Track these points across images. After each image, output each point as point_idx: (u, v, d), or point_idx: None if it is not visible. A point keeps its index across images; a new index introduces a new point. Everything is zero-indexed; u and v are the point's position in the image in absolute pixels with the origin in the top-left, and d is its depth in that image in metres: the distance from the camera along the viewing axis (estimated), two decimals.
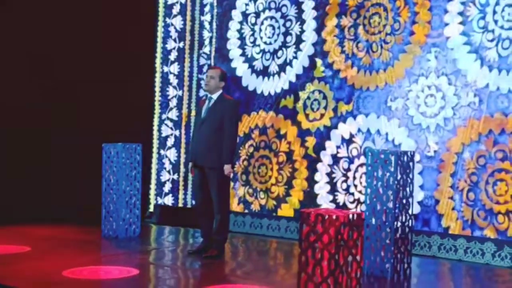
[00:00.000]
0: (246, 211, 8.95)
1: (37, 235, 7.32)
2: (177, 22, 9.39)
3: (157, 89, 9.43)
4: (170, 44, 9.40)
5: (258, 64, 8.94)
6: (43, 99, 8.87)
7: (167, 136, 9.38)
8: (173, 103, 9.40)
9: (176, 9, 9.36)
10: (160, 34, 9.41)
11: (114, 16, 9.00)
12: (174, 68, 9.38)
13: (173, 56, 9.37)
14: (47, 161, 8.84)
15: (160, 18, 9.39)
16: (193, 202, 8.85)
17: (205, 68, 9.27)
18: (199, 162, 6.62)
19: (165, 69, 9.38)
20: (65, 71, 8.92)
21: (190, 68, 9.44)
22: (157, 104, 9.41)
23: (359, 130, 8.10)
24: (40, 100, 8.87)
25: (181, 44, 9.38)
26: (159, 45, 9.42)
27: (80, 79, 8.85)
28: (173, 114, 9.39)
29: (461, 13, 7.42)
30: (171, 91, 9.41)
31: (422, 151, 7.62)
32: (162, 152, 9.36)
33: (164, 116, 9.42)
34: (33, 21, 8.70)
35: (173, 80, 9.40)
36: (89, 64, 8.94)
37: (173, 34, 9.39)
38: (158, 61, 9.38)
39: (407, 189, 6.18)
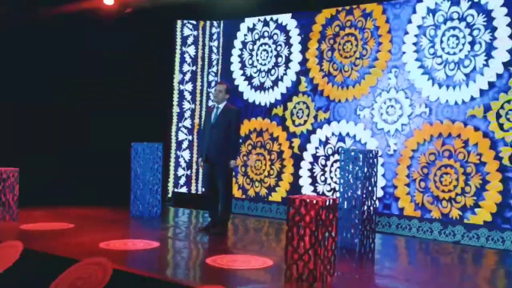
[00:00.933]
0: (244, 196, 9.02)
1: (79, 215, 7.34)
2: (191, 50, 9.38)
3: (175, 103, 9.39)
4: (185, 68, 9.37)
5: (255, 81, 9.04)
6: (94, 109, 9.04)
7: (182, 140, 9.40)
8: (187, 114, 9.41)
9: (190, 40, 9.35)
10: (177, 60, 9.37)
11: (143, 46, 9.07)
12: (188, 86, 9.40)
13: (187, 77, 9.37)
14: (88, 156, 8.83)
15: (178, 47, 9.35)
16: (203, 190, 8.78)
17: (213, 84, 9.29)
18: (210, 159, 6.61)
19: (181, 87, 9.38)
20: (109, 90, 8.99)
21: (201, 87, 9.41)
22: (174, 114, 9.38)
23: (333, 133, 8.18)
24: (91, 109, 9.04)
25: (194, 68, 9.38)
26: (176, 68, 9.38)
27: (117, 94, 8.93)
28: (187, 122, 9.41)
29: (415, 43, 7.54)
30: (186, 105, 9.41)
31: (384, 149, 7.71)
32: (178, 152, 9.37)
33: (180, 124, 9.42)
34: (83, 46, 8.81)
35: (187, 96, 9.40)
36: (124, 83, 9.02)
37: (188, 59, 9.36)
38: (176, 81, 9.34)
39: (372, 179, 6.19)
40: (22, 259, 4.95)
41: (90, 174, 8.74)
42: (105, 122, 9.05)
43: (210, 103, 8.95)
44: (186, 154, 9.45)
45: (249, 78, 9.19)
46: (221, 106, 6.72)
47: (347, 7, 8.13)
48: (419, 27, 7.56)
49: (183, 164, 9.40)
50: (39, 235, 6.03)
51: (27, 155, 8.23)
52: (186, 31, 9.42)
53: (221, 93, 6.71)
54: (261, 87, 9.02)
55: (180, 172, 9.42)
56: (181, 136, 9.45)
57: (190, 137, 9.48)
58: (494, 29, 7.06)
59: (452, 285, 4.66)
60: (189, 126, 9.46)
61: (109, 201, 8.35)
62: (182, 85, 9.43)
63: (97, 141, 8.98)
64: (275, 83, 8.87)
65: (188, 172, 9.45)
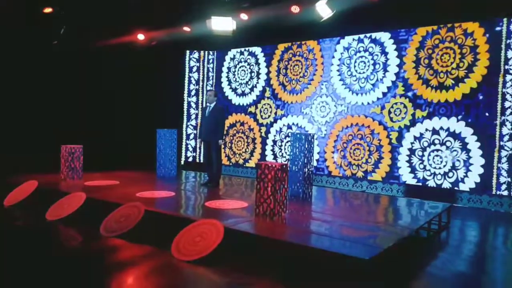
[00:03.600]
0: (230, 163, 8.96)
1: (123, 176, 7.16)
2: (195, 75, 9.29)
3: (185, 109, 9.29)
4: (191, 87, 9.29)
5: (238, 90, 8.90)
6: (130, 109, 8.93)
7: (189, 134, 9.30)
8: (193, 116, 9.31)
9: (194, 69, 9.26)
10: (186, 81, 9.27)
11: (164, 72, 9.08)
12: (194, 99, 9.28)
13: (193, 93, 9.28)
14: (131, 138, 8.65)
15: (186, 73, 9.26)
16: (202, 159, 8.56)
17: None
18: (205, 139, 6.48)
19: (189, 99, 9.29)
20: (143, 98, 8.94)
21: (202, 100, 9.26)
22: (185, 116, 9.30)
23: (288, 124, 8.21)
24: (128, 109, 8.95)
25: (197, 87, 9.28)
26: (186, 87, 9.26)
27: (148, 100, 8.90)
28: (193, 122, 9.30)
29: (338, 68, 7.58)
30: (192, 111, 9.31)
31: (317, 133, 7.79)
32: (187, 141, 9.32)
33: (188, 123, 9.34)
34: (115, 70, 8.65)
35: (193, 105, 9.30)
36: (152, 98, 8.98)
37: (193, 81, 9.25)
38: (185, 95, 9.25)
39: (310, 152, 6.00)
40: (85, 204, 5.02)
41: (131, 150, 8.59)
42: (141, 118, 8.90)
43: (205, 104, 8.89)
44: (192, 142, 9.39)
45: (233, 88, 9.09)
46: (212, 105, 6.50)
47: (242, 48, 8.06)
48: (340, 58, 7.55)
49: (190, 147, 9.42)
50: (96, 189, 5.93)
51: (91, 136, 8.11)
52: (192, 63, 9.30)
53: (211, 96, 6.49)
54: (241, 94, 8.94)
55: (188, 153, 9.44)
56: (189, 131, 9.41)
57: (194, 131, 9.38)
58: (387, 53, 7.15)
59: (361, 217, 4.73)
60: (194, 124, 9.36)
61: (142, 167, 8.15)
62: (189, 97, 9.35)
63: (137, 129, 8.76)
64: (250, 91, 8.79)
65: (193, 154, 9.45)
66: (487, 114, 6.27)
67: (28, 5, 7.04)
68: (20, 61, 7.58)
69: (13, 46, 7.41)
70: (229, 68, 9.12)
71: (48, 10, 7.21)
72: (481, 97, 6.33)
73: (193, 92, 9.35)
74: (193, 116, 9.36)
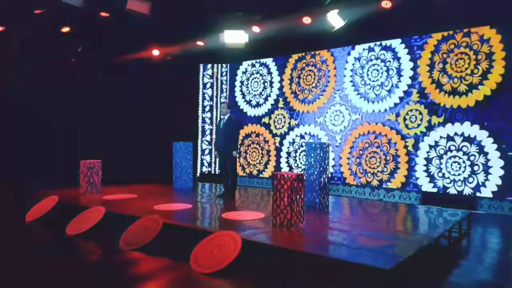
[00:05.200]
0: (245, 174, 8.98)
1: (140, 189, 7.17)
2: (209, 91, 9.36)
3: (199, 125, 9.33)
4: (206, 103, 9.36)
5: (253, 101, 8.95)
6: (160, 122, 8.98)
7: (205, 149, 9.35)
8: (207, 132, 9.34)
9: (208, 85, 9.33)
10: (200, 97, 9.33)
11: (182, 89, 9.24)
12: (208, 115, 9.34)
13: (207, 108, 9.34)
14: (148, 152, 8.69)
15: (200, 90, 9.33)
16: (219, 171, 8.82)
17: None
18: (220, 150, 6.46)
19: (203, 115, 9.35)
20: (161, 112, 8.99)
21: (217, 115, 9.29)
22: (199, 132, 9.34)
23: (302, 133, 8.22)
24: (157, 121, 8.97)
25: (211, 103, 9.35)
26: (200, 103, 9.31)
27: (169, 121, 8.98)
28: (208, 137, 9.34)
29: (351, 78, 7.65)
30: (207, 126, 9.36)
31: (333, 143, 7.76)
32: (202, 157, 9.39)
33: (203, 139, 9.38)
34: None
35: (207, 120, 9.34)
36: (172, 115, 9.06)
37: (207, 97, 9.32)
38: (200, 111, 9.32)
39: (326, 161, 5.93)
40: (104, 218, 5.04)
41: (148, 163, 8.65)
42: (159, 132, 8.94)
43: (220, 116, 8.98)
44: (207, 157, 9.44)
45: (246, 99, 9.15)
46: (226, 117, 6.50)
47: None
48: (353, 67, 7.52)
49: (205, 163, 9.45)
50: (115, 202, 5.96)
51: (110, 151, 8.13)
52: (206, 79, 9.38)
53: (225, 108, 6.49)
54: (256, 105, 8.97)
55: (204, 168, 9.49)
56: (204, 146, 9.45)
57: (209, 147, 9.42)
58: (399, 58, 7.11)
59: (379, 226, 4.66)
60: (209, 140, 9.41)
61: (159, 180, 8.16)
62: (203, 113, 9.40)
63: (154, 143, 8.77)
64: (264, 101, 8.82)
65: (208, 169, 9.49)
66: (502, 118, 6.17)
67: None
68: (43, 73, 7.71)
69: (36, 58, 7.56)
70: (242, 81, 9.18)
71: (66, 29, 7.42)
72: (498, 101, 6.22)
73: (207, 109, 9.39)
74: (207, 132, 9.40)
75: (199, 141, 9.42)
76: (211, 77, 9.38)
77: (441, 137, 6.68)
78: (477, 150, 6.36)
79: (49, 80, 7.87)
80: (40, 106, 7.81)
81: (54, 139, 8.05)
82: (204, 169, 9.37)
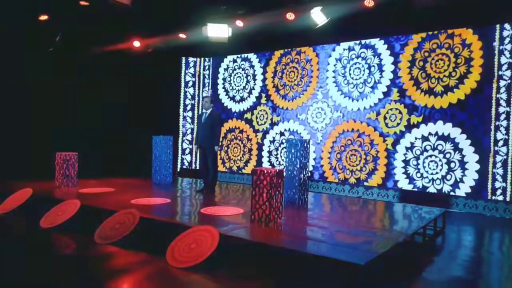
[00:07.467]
0: (226, 170, 8.99)
1: (118, 183, 7.12)
2: (191, 90, 9.29)
3: (180, 123, 9.28)
4: (187, 102, 9.29)
5: (236, 96, 8.93)
6: (140, 115, 8.84)
7: (185, 148, 9.31)
8: (188, 131, 9.27)
9: (190, 83, 9.26)
10: (182, 96, 9.26)
11: (163, 88, 9.17)
12: (189, 113, 9.28)
13: (188, 107, 9.29)
14: (126, 145, 8.56)
15: (182, 88, 9.27)
16: (198, 166, 8.81)
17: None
18: (202, 145, 6.46)
19: (185, 114, 9.28)
20: (141, 109, 8.89)
21: (198, 114, 9.15)
22: (180, 131, 9.28)
23: (283, 130, 8.25)
24: (138, 115, 8.85)
25: (193, 101, 9.28)
26: (181, 102, 9.25)
27: (147, 111, 8.89)
28: (189, 137, 9.28)
29: (334, 73, 7.72)
30: (188, 125, 9.29)
31: (313, 139, 7.85)
32: (183, 156, 9.30)
33: (184, 138, 9.31)
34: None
35: (189, 119, 9.28)
36: (153, 113, 8.97)
37: (189, 96, 9.25)
38: (181, 110, 9.26)
39: (306, 158, 5.97)
40: (79, 212, 4.98)
41: (126, 156, 8.57)
42: (137, 124, 8.82)
43: (201, 110, 8.85)
44: (187, 157, 9.38)
45: (229, 95, 9.13)
46: (208, 111, 6.49)
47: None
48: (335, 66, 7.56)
49: (185, 162, 9.41)
50: (91, 196, 5.89)
51: (87, 144, 7.96)
52: (188, 78, 9.30)
53: (207, 103, 6.48)
54: (240, 100, 8.96)
55: (185, 162, 9.42)
56: (185, 145, 9.40)
57: (190, 146, 9.38)
58: (379, 54, 7.19)
59: (357, 223, 4.72)
60: (190, 139, 9.33)
61: (138, 174, 8.13)
62: (185, 112, 9.35)
63: (133, 136, 8.64)
64: (247, 97, 8.82)
65: (189, 159, 9.39)
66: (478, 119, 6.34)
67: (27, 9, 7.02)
68: (16, 63, 7.45)
69: (11, 46, 7.31)
70: (225, 77, 9.15)
71: (44, 17, 7.22)
72: (474, 103, 6.39)
73: (188, 107, 9.33)
74: (188, 131, 9.33)
75: (180, 140, 9.34)
76: (193, 75, 9.31)
77: (416, 138, 6.81)
78: (453, 148, 6.51)
79: (20, 72, 7.62)
80: (13, 98, 7.55)
81: (26, 132, 7.75)
82: (186, 163, 9.34)
